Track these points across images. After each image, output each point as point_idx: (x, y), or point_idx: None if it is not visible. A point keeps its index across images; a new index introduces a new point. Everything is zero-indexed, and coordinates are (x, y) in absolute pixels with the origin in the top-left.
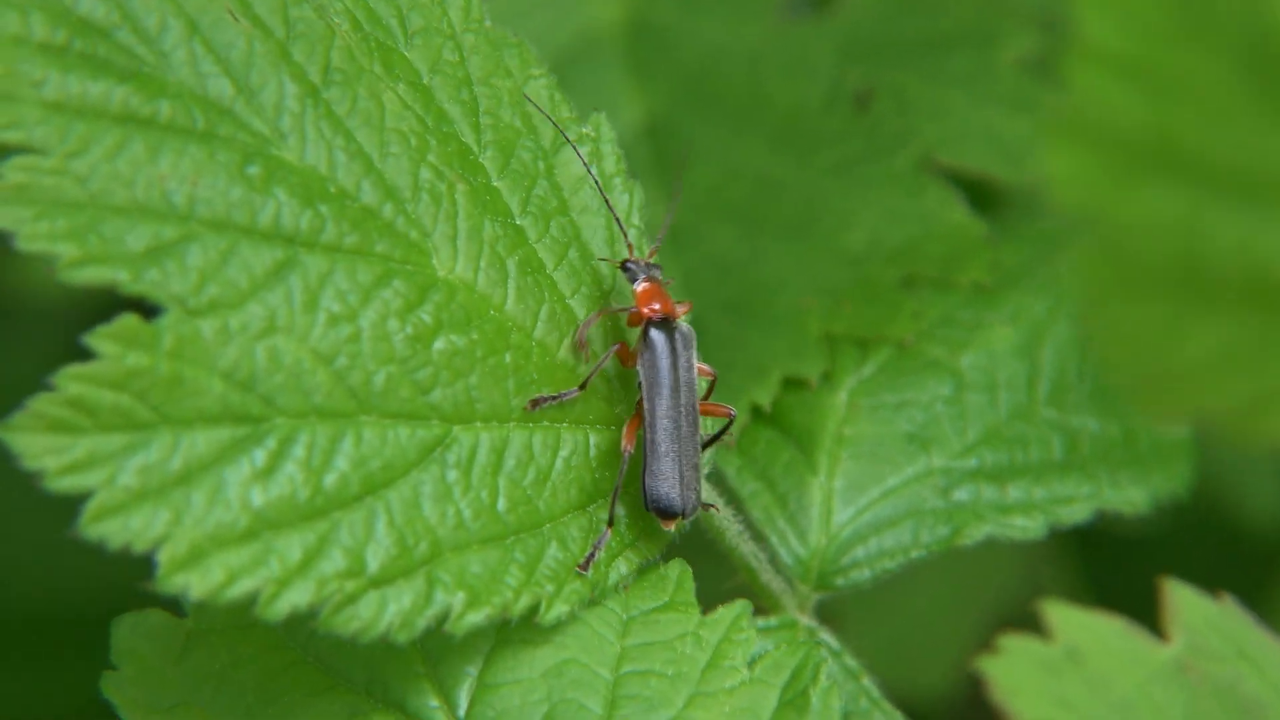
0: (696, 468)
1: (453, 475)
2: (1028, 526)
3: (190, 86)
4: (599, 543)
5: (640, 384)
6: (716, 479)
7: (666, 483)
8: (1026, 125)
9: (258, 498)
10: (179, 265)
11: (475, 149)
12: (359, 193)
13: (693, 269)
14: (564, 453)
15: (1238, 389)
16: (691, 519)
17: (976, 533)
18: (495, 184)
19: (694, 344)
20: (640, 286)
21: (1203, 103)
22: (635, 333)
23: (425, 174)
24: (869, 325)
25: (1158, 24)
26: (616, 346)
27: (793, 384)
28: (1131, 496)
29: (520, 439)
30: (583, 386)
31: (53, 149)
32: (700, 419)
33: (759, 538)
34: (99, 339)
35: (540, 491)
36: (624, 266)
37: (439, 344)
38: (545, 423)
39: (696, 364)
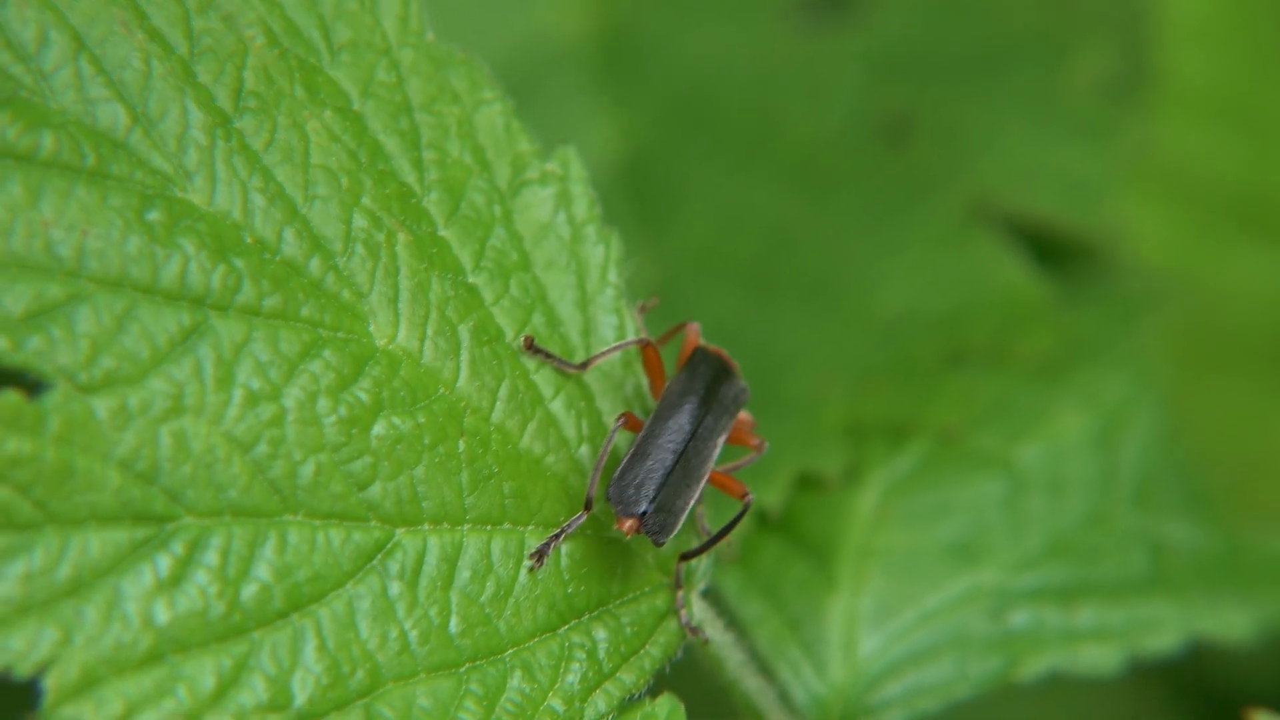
0: (684, 495)
1: (395, 589)
2: (1101, 658)
3: (77, 115)
4: (568, 525)
5: (661, 399)
6: (714, 599)
7: (637, 479)
8: (1104, 159)
9: (162, 614)
10: (66, 331)
11: (417, 190)
12: (280, 244)
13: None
14: (529, 562)
15: None
16: (662, 539)
17: (1037, 665)
18: (442, 233)
19: (741, 401)
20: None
21: None
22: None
23: (359, 221)
24: (904, 409)
25: (1258, 59)
26: (642, 340)
27: (808, 482)
28: (1232, 621)
29: (476, 545)
30: (584, 366)
31: None
32: (709, 464)
33: (766, 671)
34: None
35: (501, 610)
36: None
37: (378, 428)
38: (506, 524)
39: (728, 427)
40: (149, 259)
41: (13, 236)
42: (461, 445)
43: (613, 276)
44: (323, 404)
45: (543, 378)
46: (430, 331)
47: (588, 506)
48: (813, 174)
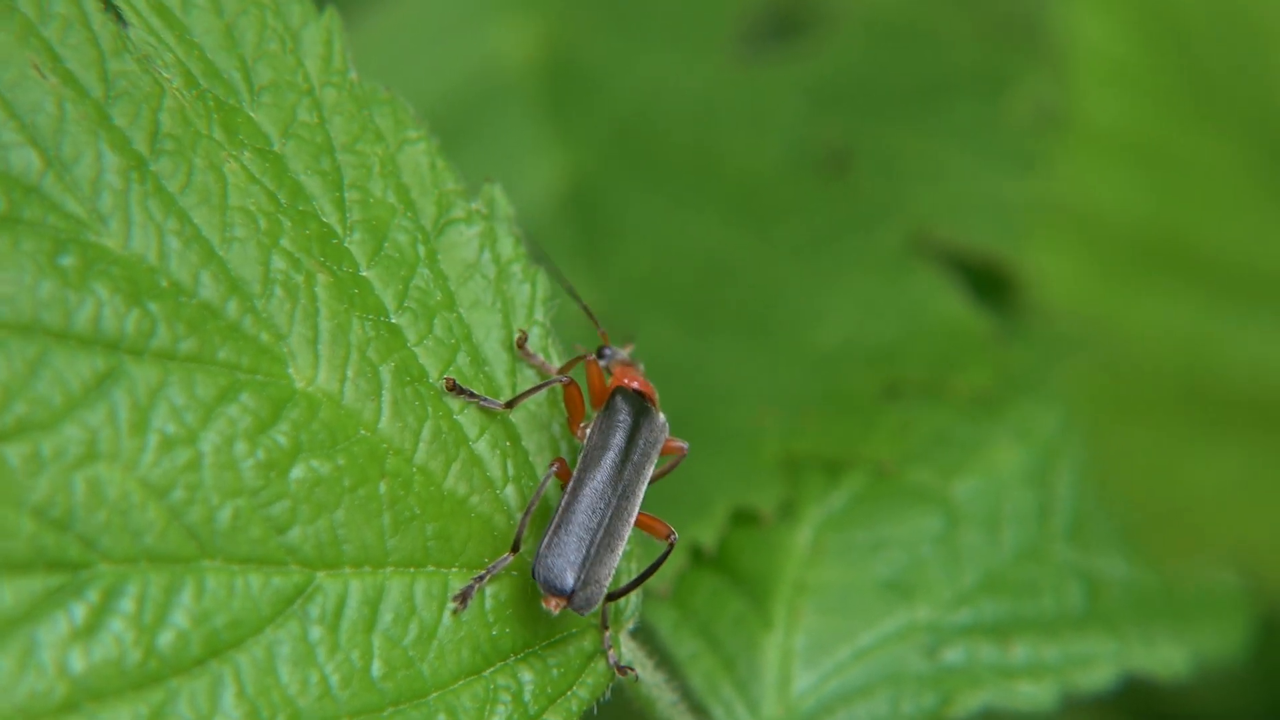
0: (608, 562)
1: (316, 633)
2: (1036, 694)
3: None
4: (494, 567)
5: (582, 450)
6: (646, 636)
7: (563, 558)
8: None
9: (77, 662)
10: None
11: (339, 231)
12: (197, 287)
13: None
14: (453, 604)
15: (1255, 522)
16: (586, 611)
17: (971, 701)
18: (364, 274)
19: (660, 441)
20: (620, 359)
21: (1214, 194)
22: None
23: (277, 263)
24: (840, 444)
25: (1166, 101)
26: (565, 379)
27: (743, 518)
28: (1167, 656)
29: (399, 588)
30: (510, 405)
31: None
32: (631, 521)
33: (699, 710)
34: None
35: (424, 653)
36: (600, 354)
37: (297, 472)
38: (430, 567)
39: (650, 471)
40: (61, 304)
41: None
42: (383, 487)
43: (539, 315)
44: (240, 448)
45: (467, 418)
46: (351, 373)
47: (515, 549)
48: (753, 205)
